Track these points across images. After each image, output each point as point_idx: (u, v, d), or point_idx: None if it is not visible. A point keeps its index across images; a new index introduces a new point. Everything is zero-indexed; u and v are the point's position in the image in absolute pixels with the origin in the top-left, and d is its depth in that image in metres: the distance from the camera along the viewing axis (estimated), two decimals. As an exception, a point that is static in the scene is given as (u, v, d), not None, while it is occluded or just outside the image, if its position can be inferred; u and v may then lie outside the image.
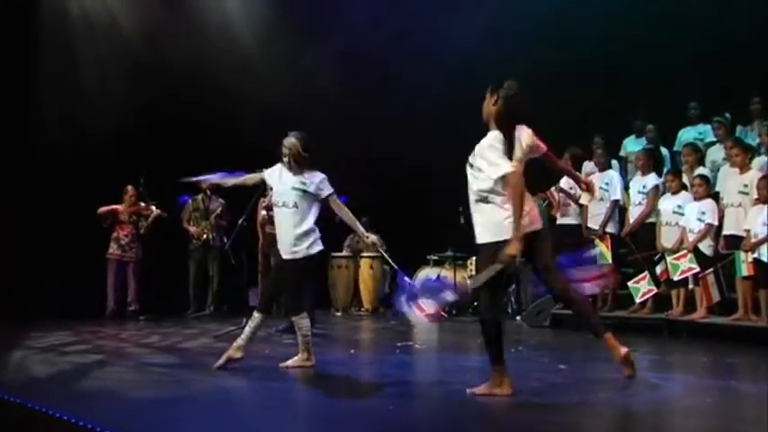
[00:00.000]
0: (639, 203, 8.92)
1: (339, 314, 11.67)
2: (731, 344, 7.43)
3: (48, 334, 8.17)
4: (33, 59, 10.92)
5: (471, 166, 4.74)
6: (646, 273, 8.52)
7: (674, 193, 8.59)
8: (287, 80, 11.97)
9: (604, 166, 9.42)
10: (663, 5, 10.73)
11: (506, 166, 4.60)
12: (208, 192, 11.03)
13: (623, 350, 5.09)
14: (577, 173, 6.13)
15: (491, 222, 4.67)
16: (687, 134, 9.91)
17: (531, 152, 4.83)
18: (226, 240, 9.71)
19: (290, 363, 5.98)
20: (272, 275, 6.03)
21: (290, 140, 5.99)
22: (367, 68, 11.96)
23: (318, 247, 5.88)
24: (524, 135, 4.78)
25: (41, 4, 11.24)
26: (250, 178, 6.27)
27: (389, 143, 11.77)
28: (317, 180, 5.92)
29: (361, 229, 6.20)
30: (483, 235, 4.70)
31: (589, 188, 5.90)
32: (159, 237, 10.89)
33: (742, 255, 7.65)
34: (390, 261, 6.38)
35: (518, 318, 10.22)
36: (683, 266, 8.11)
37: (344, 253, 12.14)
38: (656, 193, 8.85)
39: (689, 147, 9.22)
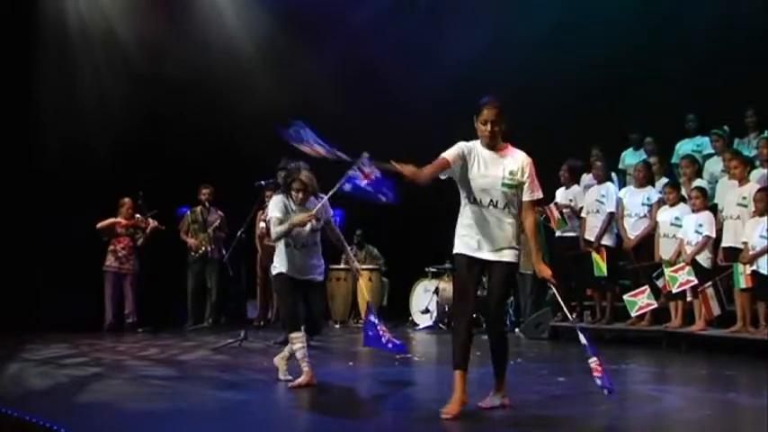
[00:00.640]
0: (645, 216, 8.91)
1: (338, 326, 11.65)
2: (730, 356, 7.43)
3: (45, 346, 8.15)
4: (32, 72, 10.94)
5: (513, 180, 4.71)
6: (646, 287, 8.51)
7: (673, 204, 8.60)
8: (284, 92, 11.99)
9: (603, 179, 9.43)
10: (660, 19, 10.78)
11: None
12: (206, 203, 11.04)
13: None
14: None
15: (513, 238, 4.73)
16: (685, 146, 9.92)
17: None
18: (224, 252, 9.70)
19: (296, 382, 5.79)
20: (295, 297, 5.89)
21: (307, 174, 5.91)
22: (365, 80, 11.99)
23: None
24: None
25: (40, 17, 11.26)
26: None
27: (387, 155, 11.78)
28: (324, 208, 5.94)
29: (350, 253, 6.45)
30: (509, 251, 4.73)
31: None
32: (157, 249, 10.87)
33: (740, 267, 7.65)
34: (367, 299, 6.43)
35: (517, 330, 10.22)
36: (682, 279, 8.10)
37: (343, 265, 12.13)
38: (659, 206, 8.86)
39: (687, 159, 9.23)
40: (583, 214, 9.34)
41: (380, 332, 5.47)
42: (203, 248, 10.97)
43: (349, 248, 6.41)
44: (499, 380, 4.83)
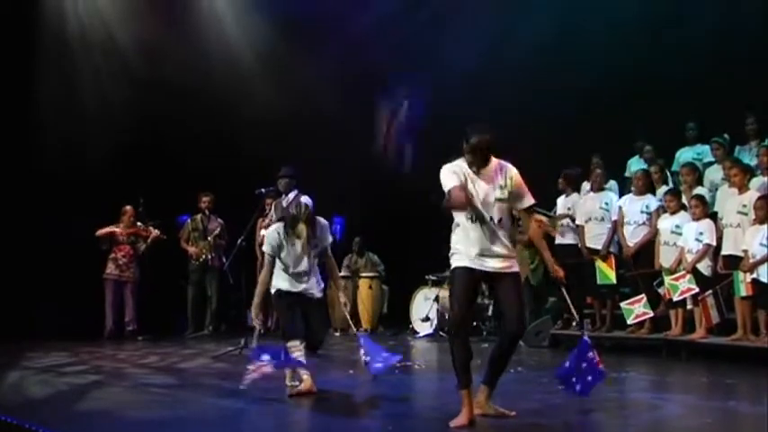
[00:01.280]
0: (644, 223, 8.91)
1: (338, 334, 11.64)
2: (730, 364, 7.41)
3: (45, 354, 8.16)
4: (31, 77, 10.96)
5: (503, 194, 4.73)
6: (643, 296, 8.51)
7: (673, 213, 8.60)
8: (285, 99, 12.01)
9: (600, 186, 9.43)
10: (661, 27, 10.80)
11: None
12: (206, 211, 11.04)
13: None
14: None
15: (511, 249, 4.76)
16: (685, 154, 9.94)
17: None
18: (225, 260, 9.70)
19: (296, 390, 5.82)
20: (299, 314, 5.92)
21: (306, 203, 5.94)
22: (365, 87, 12.00)
23: None
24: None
25: (40, 20, 11.29)
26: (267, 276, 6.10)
27: (387, 163, 11.82)
28: (324, 234, 6.05)
29: (341, 282, 6.78)
30: (512, 261, 4.76)
31: None
32: (158, 257, 10.88)
33: (741, 275, 7.65)
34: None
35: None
36: (683, 287, 8.10)
37: (343, 273, 12.13)
38: (659, 214, 8.87)
39: (688, 166, 9.24)
40: (581, 222, 9.33)
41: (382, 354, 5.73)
42: (204, 256, 10.98)
43: (341, 279, 6.57)
44: (493, 388, 4.82)
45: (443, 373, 7.63)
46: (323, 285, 6.16)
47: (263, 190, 8.54)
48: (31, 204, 10.36)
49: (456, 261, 4.77)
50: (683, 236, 8.34)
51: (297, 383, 5.82)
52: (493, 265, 4.69)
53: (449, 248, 4.84)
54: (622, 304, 8.69)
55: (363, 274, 12.03)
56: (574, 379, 4.82)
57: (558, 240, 9.63)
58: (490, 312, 10.61)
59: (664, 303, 8.52)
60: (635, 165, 10.41)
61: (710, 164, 9.42)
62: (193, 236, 11.09)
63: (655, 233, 8.80)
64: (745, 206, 7.94)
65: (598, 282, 9.00)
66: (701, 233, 8.17)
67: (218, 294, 10.99)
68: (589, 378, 4.78)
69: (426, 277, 11.64)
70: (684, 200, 8.71)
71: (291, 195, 8.12)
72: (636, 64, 10.85)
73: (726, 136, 9.34)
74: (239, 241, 8.82)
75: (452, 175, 4.70)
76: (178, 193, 11.05)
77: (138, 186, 10.75)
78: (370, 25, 12.04)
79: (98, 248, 10.60)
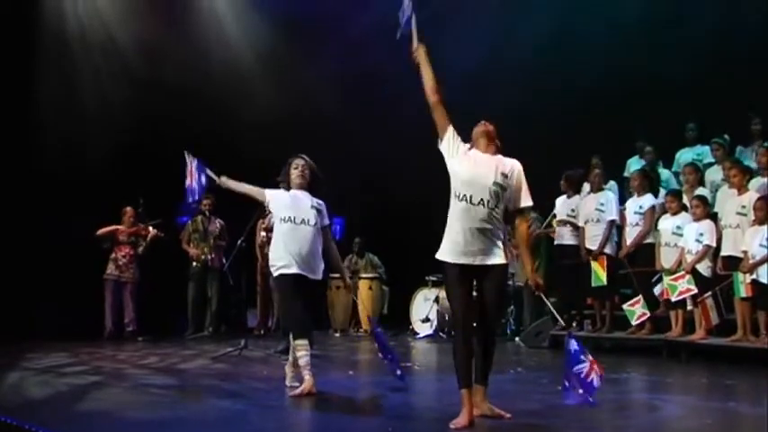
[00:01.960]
0: (637, 224, 8.93)
1: (337, 335, 11.65)
2: (730, 365, 7.42)
3: (45, 355, 8.15)
4: (31, 77, 10.95)
5: (502, 186, 4.73)
6: (640, 297, 8.52)
7: (674, 213, 8.60)
8: (285, 99, 12.01)
9: (599, 187, 9.44)
10: (661, 28, 10.80)
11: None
12: (207, 213, 11.04)
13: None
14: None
15: (501, 244, 4.73)
16: (685, 155, 9.95)
17: None
18: (225, 261, 9.70)
19: (297, 392, 5.76)
20: (298, 300, 5.78)
21: (308, 161, 6.01)
22: (366, 88, 12.00)
23: None
24: None
25: (40, 20, 11.28)
26: (257, 193, 6.12)
27: (387, 163, 11.82)
28: (323, 206, 6.02)
29: (343, 270, 6.67)
30: (499, 252, 4.71)
31: None
32: (157, 257, 10.87)
33: (740, 276, 7.65)
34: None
35: (517, 339, 10.21)
36: (682, 287, 8.10)
37: (343, 273, 12.13)
38: (653, 213, 8.87)
39: (690, 166, 9.25)
40: (581, 223, 9.34)
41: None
42: (204, 256, 10.97)
43: (341, 263, 6.54)
44: (486, 386, 4.81)
45: (443, 374, 7.64)
46: (323, 267, 5.99)
47: (265, 189, 8.53)
48: (31, 204, 10.35)
49: (442, 250, 4.78)
50: (684, 236, 8.34)
51: (297, 385, 5.81)
52: (477, 257, 4.68)
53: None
54: (624, 306, 8.71)
55: (363, 275, 12.04)
56: (576, 389, 4.76)
57: (557, 241, 9.66)
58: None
59: (663, 304, 8.53)
60: (635, 165, 10.43)
61: (711, 164, 9.43)
62: (194, 237, 11.08)
63: (646, 232, 8.81)
64: (744, 207, 7.95)
65: (592, 283, 9.01)
66: (701, 234, 8.17)
67: (218, 295, 10.99)
68: (581, 391, 4.71)
69: (426, 278, 11.65)
70: (686, 200, 8.72)
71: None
72: (636, 64, 10.86)
73: (726, 136, 9.35)
74: (239, 242, 8.81)
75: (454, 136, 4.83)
76: (178, 194, 11.03)
77: (138, 186, 10.74)
78: (370, 25, 12.03)
79: (98, 248, 10.59)
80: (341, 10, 12.03)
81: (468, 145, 4.86)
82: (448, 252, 4.74)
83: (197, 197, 6.83)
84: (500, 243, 4.73)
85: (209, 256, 10.95)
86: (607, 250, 9.07)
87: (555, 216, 9.87)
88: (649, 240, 8.85)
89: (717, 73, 10.04)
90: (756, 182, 8.32)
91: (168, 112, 11.30)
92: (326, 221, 6.06)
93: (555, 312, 6.03)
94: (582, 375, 4.68)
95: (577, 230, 9.40)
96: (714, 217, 8.44)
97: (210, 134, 11.58)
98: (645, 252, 8.83)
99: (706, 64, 10.10)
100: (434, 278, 11.49)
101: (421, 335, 11.25)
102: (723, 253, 8.06)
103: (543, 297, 5.37)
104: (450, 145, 4.82)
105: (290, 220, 5.83)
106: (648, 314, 8.48)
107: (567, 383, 4.77)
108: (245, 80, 12.34)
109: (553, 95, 10.98)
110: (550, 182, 9.75)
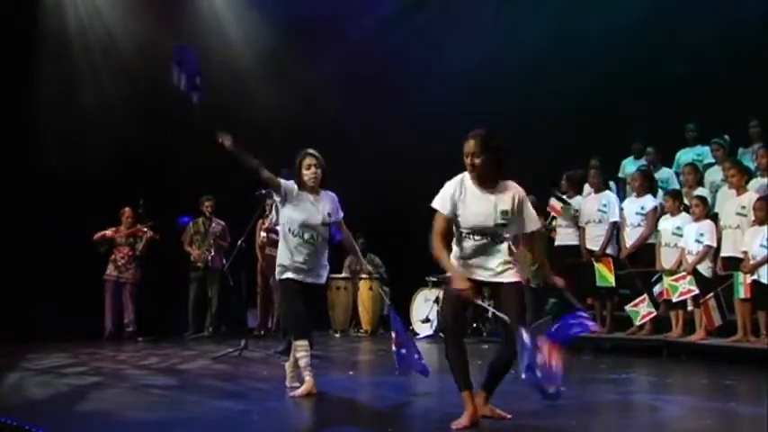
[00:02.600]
0: (639, 225, 8.92)
1: (338, 336, 11.64)
2: (730, 365, 7.41)
3: (45, 356, 8.15)
4: (31, 77, 10.94)
5: (505, 223, 4.60)
6: (645, 296, 8.51)
7: (674, 214, 8.60)
8: (285, 100, 12.00)
9: (599, 188, 9.43)
10: (661, 28, 10.80)
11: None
12: (207, 213, 11.04)
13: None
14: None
15: (508, 259, 4.66)
16: (685, 156, 9.95)
17: None
18: (225, 262, 9.69)
19: (297, 392, 5.76)
20: (299, 301, 5.77)
21: (320, 159, 5.91)
22: (366, 89, 12.00)
23: None
24: None
25: (39, 22, 11.27)
26: (269, 176, 6.07)
27: (388, 163, 11.81)
28: (336, 204, 5.97)
29: (361, 258, 6.47)
30: (510, 271, 4.64)
31: None
32: (157, 258, 10.87)
33: (740, 276, 7.65)
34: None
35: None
36: (682, 288, 8.10)
37: (344, 274, 12.12)
38: (656, 214, 8.86)
39: (690, 166, 9.26)
40: (582, 224, 9.33)
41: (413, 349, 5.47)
42: (204, 256, 10.97)
43: (360, 253, 6.44)
44: (491, 393, 4.80)
45: (443, 374, 7.63)
46: (327, 270, 5.99)
47: (263, 191, 8.52)
48: (31, 204, 10.34)
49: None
50: (684, 237, 8.34)
51: (297, 385, 5.81)
52: (486, 275, 4.63)
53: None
54: (627, 308, 8.70)
55: (364, 276, 12.01)
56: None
57: (558, 242, 9.64)
58: (490, 314, 10.60)
59: (663, 304, 8.53)
60: (629, 165, 10.44)
61: (711, 165, 9.42)
62: (195, 239, 11.08)
63: (649, 233, 8.81)
64: (743, 207, 7.96)
65: (597, 283, 9.00)
66: (701, 234, 8.17)
67: (218, 296, 10.98)
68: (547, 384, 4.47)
69: (426, 279, 11.63)
70: (686, 200, 8.72)
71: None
72: (636, 64, 10.85)
73: (726, 137, 9.34)
74: (239, 243, 8.81)
75: (445, 195, 4.62)
76: (178, 194, 11.04)
77: (138, 187, 10.74)
78: (370, 27, 12.04)
79: (96, 252, 10.58)
80: (341, 10, 12.03)
81: (459, 188, 4.63)
82: (457, 266, 4.67)
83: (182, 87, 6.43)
84: (508, 259, 4.64)
85: (209, 255, 10.95)
86: (608, 251, 9.07)
87: (555, 217, 9.86)
88: (650, 240, 8.84)
89: (717, 73, 10.03)
90: (756, 182, 8.32)
91: (168, 112, 11.29)
92: (341, 215, 6.01)
93: (574, 300, 6.01)
94: (543, 365, 4.52)
95: (577, 228, 9.39)
96: (714, 217, 8.44)
97: (210, 134, 11.57)
98: (645, 252, 8.82)
99: (706, 64, 10.10)
100: (434, 279, 11.47)
101: (421, 335, 11.24)
102: (723, 254, 8.06)
103: (568, 294, 5.31)
104: (448, 205, 4.62)
105: (299, 236, 5.80)
106: (655, 312, 8.47)
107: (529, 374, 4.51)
108: (246, 81, 12.32)
109: (552, 95, 10.97)
110: (549, 182, 9.75)
